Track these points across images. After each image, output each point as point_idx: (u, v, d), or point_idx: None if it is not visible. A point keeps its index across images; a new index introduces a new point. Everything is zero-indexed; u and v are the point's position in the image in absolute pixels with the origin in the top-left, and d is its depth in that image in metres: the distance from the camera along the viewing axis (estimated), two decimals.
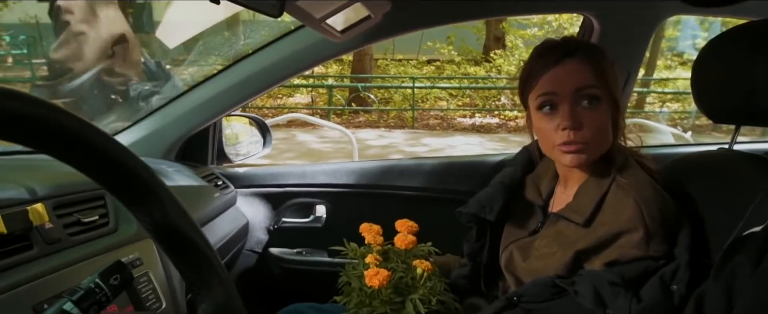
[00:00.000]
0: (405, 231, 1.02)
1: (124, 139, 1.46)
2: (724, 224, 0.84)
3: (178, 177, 1.31)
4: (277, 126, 7.92)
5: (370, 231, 1.02)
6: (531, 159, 1.09)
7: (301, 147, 7.94)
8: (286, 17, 0.85)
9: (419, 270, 0.93)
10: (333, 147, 7.66)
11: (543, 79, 0.88)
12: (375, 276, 0.87)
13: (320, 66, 11.57)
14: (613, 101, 0.88)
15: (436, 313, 0.92)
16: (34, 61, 11.38)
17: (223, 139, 1.63)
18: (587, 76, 0.86)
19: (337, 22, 1.11)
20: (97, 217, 0.88)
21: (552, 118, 0.88)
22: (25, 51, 11.75)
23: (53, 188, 0.83)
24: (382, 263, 0.96)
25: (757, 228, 0.65)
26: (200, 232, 0.49)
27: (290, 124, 8.81)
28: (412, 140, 8.84)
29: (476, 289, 1.10)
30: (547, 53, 0.89)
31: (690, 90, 0.98)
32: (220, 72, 1.46)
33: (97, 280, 0.54)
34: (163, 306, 0.88)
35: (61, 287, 0.72)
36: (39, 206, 0.76)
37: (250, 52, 1.44)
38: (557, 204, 0.98)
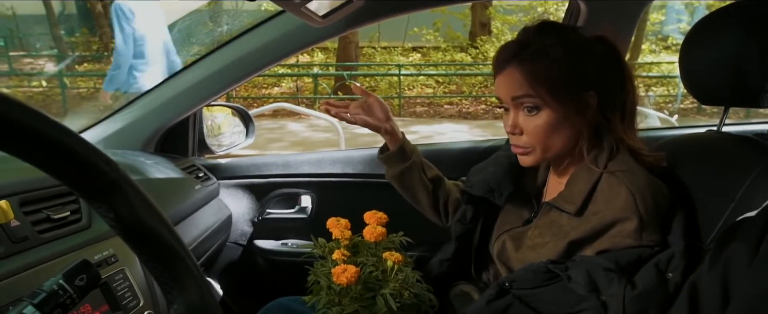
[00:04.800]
0: (374, 222, 0.96)
1: (100, 131, 1.41)
2: (715, 207, 0.83)
3: (156, 169, 1.26)
4: (263, 115, 7.81)
5: (337, 226, 0.97)
6: None
7: (291, 136, 7.85)
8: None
9: (390, 263, 0.89)
10: (324, 135, 7.57)
11: (496, 82, 0.90)
12: (342, 274, 0.83)
13: (305, 54, 11.47)
14: (562, 104, 0.83)
15: (410, 306, 0.89)
16: (11, 53, 11.07)
17: (205, 130, 1.59)
18: (522, 86, 0.84)
19: (318, 6, 1.07)
20: (68, 213, 0.84)
21: (506, 119, 0.90)
22: (2, 43, 11.41)
23: (18, 184, 0.78)
24: (351, 258, 0.91)
25: (752, 213, 0.63)
26: (170, 227, 0.46)
27: (276, 113, 8.70)
28: (400, 128, 8.79)
29: (461, 274, 1.09)
30: (497, 56, 0.88)
31: (675, 74, 0.96)
32: (198, 60, 1.42)
33: (61, 281, 0.50)
34: (141, 304, 0.84)
35: (29, 287, 0.68)
36: (3, 203, 0.71)
37: (229, 39, 1.40)
38: (550, 192, 0.96)
